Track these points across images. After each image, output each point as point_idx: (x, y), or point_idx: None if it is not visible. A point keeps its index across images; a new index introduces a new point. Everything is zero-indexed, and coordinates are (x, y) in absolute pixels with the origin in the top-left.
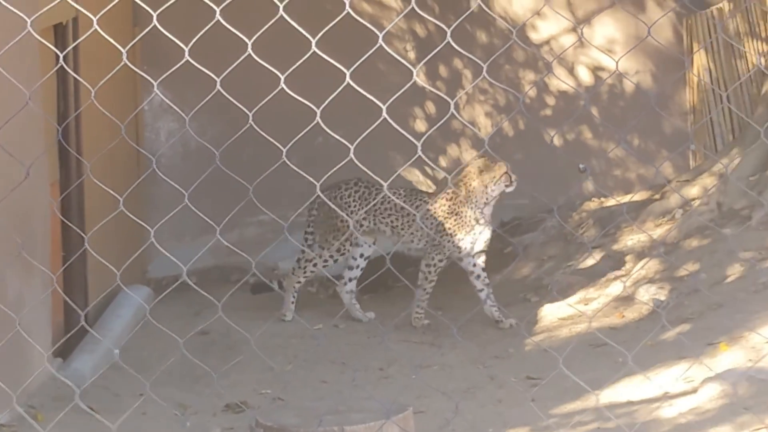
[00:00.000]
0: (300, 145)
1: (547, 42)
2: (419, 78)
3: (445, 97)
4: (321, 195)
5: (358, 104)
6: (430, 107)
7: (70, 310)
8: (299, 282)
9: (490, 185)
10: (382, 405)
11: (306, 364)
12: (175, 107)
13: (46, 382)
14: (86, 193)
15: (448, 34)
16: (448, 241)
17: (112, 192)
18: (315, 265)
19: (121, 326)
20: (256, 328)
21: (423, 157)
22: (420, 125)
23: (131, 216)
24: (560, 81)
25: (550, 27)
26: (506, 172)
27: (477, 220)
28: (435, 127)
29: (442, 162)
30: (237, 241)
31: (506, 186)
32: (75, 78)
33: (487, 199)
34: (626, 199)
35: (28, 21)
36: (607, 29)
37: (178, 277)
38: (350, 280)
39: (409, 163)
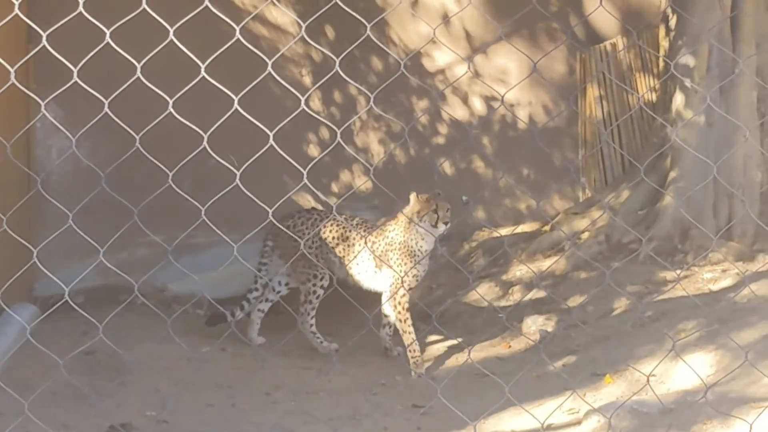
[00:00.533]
0: (192, 168)
1: (442, 71)
2: (313, 104)
3: (332, 125)
4: (276, 223)
5: (252, 128)
6: (324, 133)
7: None
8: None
9: (415, 220)
10: (267, 431)
11: (192, 387)
12: (63, 129)
13: None
14: None
15: (337, 63)
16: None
17: None
18: (278, 292)
19: (6, 344)
20: (143, 350)
21: (308, 183)
22: (313, 150)
23: (14, 235)
24: (456, 106)
25: (444, 56)
26: (433, 211)
27: (412, 253)
28: (323, 155)
29: (335, 188)
30: (126, 261)
31: (432, 225)
32: None
33: (417, 232)
34: (515, 230)
35: None
36: (500, 60)
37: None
38: (266, 300)
39: (297, 188)
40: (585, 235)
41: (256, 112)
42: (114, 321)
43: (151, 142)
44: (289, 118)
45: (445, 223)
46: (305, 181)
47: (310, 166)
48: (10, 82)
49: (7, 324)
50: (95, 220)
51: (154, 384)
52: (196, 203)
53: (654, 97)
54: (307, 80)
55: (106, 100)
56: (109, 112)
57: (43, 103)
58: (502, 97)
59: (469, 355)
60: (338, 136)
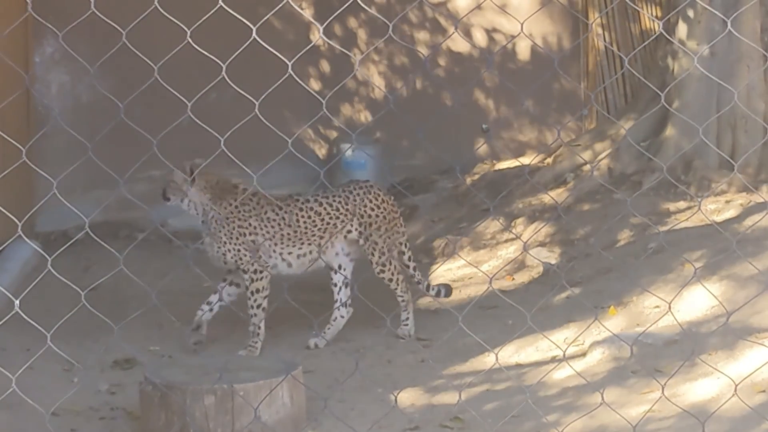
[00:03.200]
0: (194, 102)
1: (444, 3)
2: (315, 37)
3: (349, 53)
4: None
5: (253, 61)
6: (324, 66)
7: None
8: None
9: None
10: (271, 363)
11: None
12: (78, 57)
13: None
14: None
15: None
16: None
17: (9, 138)
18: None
19: (7, 281)
20: (146, 284)
21: (328, 114)
22: (314, 84)
23: (35, 167)
24: (457, 39)
25: None
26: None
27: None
28: (339, 85)
29: (336, 121)
30: (125, 197)
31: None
32: None
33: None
34: (522, 162)
35: None
36: None
37: (67, 231)
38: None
39: (313, 121)
40: (587, 168)
41: (258, 47)
42: (115, 257)
43: (161, 74)
44: (305, 49)
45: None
46: (324, 110)
47: (326, 98)
48: (26, 13)
49: (6, 260)
50: (95, 155)
51: (157, 319)
52: (215, 133)
53: (656, 27)
54: (308, 12)
55: (110, 34)
56: (127, 43)
57: (60, 33)
58: (522, 24)
59: (491, 283)
60: (356, 64)
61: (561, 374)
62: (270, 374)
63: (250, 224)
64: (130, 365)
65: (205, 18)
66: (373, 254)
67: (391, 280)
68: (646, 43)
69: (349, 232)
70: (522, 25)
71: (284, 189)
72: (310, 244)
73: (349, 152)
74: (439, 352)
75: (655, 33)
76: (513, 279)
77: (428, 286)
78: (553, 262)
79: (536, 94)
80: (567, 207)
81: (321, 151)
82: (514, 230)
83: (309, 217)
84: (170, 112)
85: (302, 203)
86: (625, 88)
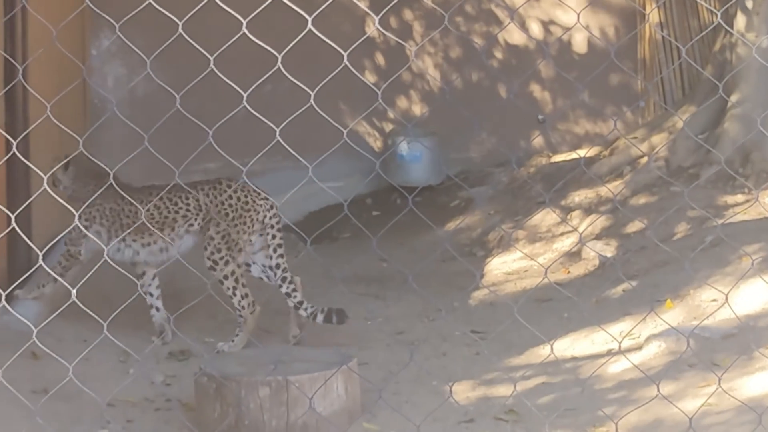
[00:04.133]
0: (249, 93)
1: None
2: (371, 28)
3: (403, 43)
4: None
5: (309, 53)
6: (380, 58)
7: (14, 256)
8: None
9: None
10: (326, 355)
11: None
12: (136, 49)
13: None
14: (32, 138)
15: None
16: None
17: (71, 132)
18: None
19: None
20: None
21: (383, 104)
22: (369, 76)
23: (90, 158)
24: (513, 31)
25: None
26: None
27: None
28: (395, 76)
29: (391, 113)
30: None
31: None
32: (23, 19)
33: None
34: (580, 154)
35: None
36: None
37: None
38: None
39: (368, 111)
40: (644, 160)
41: (314, 39)
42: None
43: (216, 67)
44: (361, 39)
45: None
46: (380, 101)
47: (383, 87)
48: (84, 5)
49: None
50: (152, 147)
51: (212, 310)
52: (271, 124)
53: (714, 17)
54: (363, 4)
55: (177, 23)
56: (184, 34)
57: (117, 24)
58: (579, 14)
59: (546, 275)
60: (412, 55)
61: (617, 367)
62: (325, 366)
63: (89, 212)
64: (186, 356)
65: (260, 8)
66: (206, 248)
67: (222, 282)
68: (703, 33)
69: (191, 225)
70: (578, 15)
71: (340, 182)
72: (151, 235)
73: (404, 145)
74: (494, 345)
75: (713, 24)
76: (569, 272)
77: (313, 313)
78: (609, 254)
79: (593, 86)
80: (623, 199)
81: (377, 143)
82: (570, 222)
83: (150, 210)
84: (227, 105)
85: (146, 195)
86: (682, 79)
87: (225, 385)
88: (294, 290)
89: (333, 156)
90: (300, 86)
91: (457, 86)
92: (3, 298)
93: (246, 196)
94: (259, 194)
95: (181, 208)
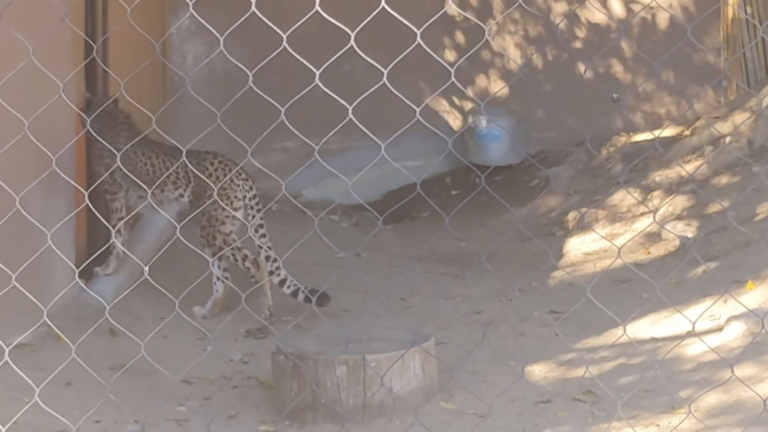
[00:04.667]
0: (326, 72)
1: None
2: (449, 9)
3: (480, 23)
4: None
5: (388, 31)
6: (460, 37)
7: (93, 233)
8: None
9: None
10: (404, 335)
11: (328, 292)
12: (209, 27)
13: (68, 303)
14: None
15: None
16: None
17: (144, 110)
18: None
19: (143, 249)
20: (279, 255)
21: (456, 83)
22: (449, 55)
23: (162, 134)
24: (594, 10)
25: None
26: None
27: None
28: (470, 53)
29: (470, 92)
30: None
31: None
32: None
33: None
34: (656, 134)
35: None
36: None
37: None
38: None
39: (441, 90)
40: (726, 140)
41: (392, 17)
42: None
43: (292, 45)
44: (435, 17)
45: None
46: (453, 79)
47: (456, 65)
48: None
49: (143, 230)
50: (229, 126)
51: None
52: (344, 102)
53: None
54: None
55: (244, 4)
56: (257, 11)
57: (191, 2)
58: None
59: (619, 254)
60: (486, 33)
61: (696, 349)
62: (402, 345)
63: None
64: (263, 335)
65: None
66: (200, 220)
67: (220, 258)
68: None
69: (181, 196)
70: None
71: (418, 161)
72: (139, 188)
73: (483, 124)
74: (572, 325)
75: None
76: (649, 252)
77: (294, 292)
78: (689, 235)
79: (676, 65)
80: (704, 180)
81: (455, 122)
82: (650, 203)
83: (144, 164)
84: (304, 84)
85: (144, 150)
86: (765, 59)
87: (302, 364)
88: (278, 268)
89: (412, 135)
90: (374, 64)
91: (536, 65)
92: (76, 274)
93: (226, 174)
94: (239, 174)
95: (171, 173)
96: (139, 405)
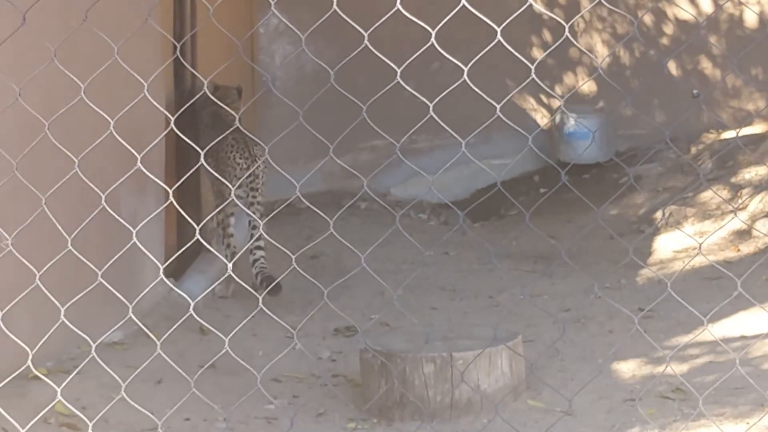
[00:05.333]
0: (415, 71)
1: None
2: (536, 3)
3: (561, 20)
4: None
5: (474, 30)
6: (547, 35)
7: (183, 231)
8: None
9: None
10: (491, 332)
11: (416, 290)
12: (292, 27)
13: (159, 302)
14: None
15: None
16: None
17: (228, 109)
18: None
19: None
20: (369, 253)
21: (536, 80)
22: (536, 53)
23: (247, 133)
24: (679, 8)
25: None
26: None
27: None
28: (549, 50)
29: (558, 90)
30: (349, 166)
31: None
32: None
33: None
34: (744, 131)
35: None
36: None
37: (290, 200)
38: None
39: (521, 87)
40: None
41: (480, 12)
42: (338, 225)
43: (376, 44)
44: (516, 14)
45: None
46: (533, 76)
47: (536, 62)
48: None
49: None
50: (318, 125)
51: (378, 287)
52: (425, 100)
53: None
54: None
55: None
56: (338, 10)
57: (273, 1)
58: None
59: (700, 250)
60: (566, 30)
61: None
62: (490, 343)
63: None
64: (352, 333)
65: None
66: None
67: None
68: None
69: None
70: None
71: (506, 159)
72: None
73: (571, 122)
74: (661, 323)
75: None
76: (738, 250)
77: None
78: None
79: (764, 61)
80: None
81: (543, 121)
82: (739, 200)
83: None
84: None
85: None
86: None
87: (389, 362)
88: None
89: (501, 133)
90: (454, 62)
91: (624, 62)
92: (161, 271)
93: (232, 151)
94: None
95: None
96: (228, 403)
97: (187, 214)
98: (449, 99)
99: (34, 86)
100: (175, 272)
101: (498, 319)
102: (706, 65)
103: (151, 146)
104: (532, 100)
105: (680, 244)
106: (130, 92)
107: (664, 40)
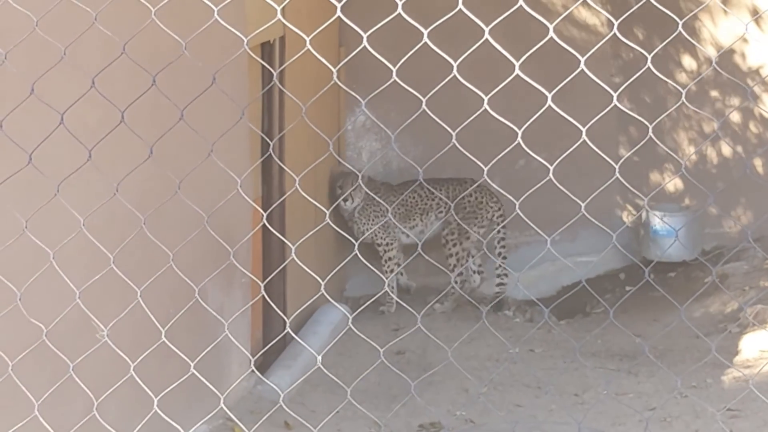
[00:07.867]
0: (502, 167)
1: (755, 69)
2: (622, 104)
3: (643, 120)
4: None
5: (561, 128)
6: (633, 132)
7: (269, 325)
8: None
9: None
10: (576, 430)
11: (500, 387)
12: (381, 125)
13: (244, 396)
14: (287, 209)
15: (649, 60)
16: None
17: (318, 205)
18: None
19: (318, 343)
20: (455, 349)
21: (620, 178)
22: (623, 150)
23: (336, 228)
24: (767, 107)
25: (757, 53)
26: (338, 187)
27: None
28: (633, 150)
29: (644, 188)
30: (435, 261)
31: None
32: (279, 96)
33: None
34: None
35: (245, 40)
36: None
37: (375, 295)
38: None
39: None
40: None
41: (566, 111)
42: (423, 321)
43: (460, 143)
44: (601, 114)
45: (344, 200)
46: (617, 175)
47: (621, 161)
48: (332, 82)
49: (317, 323)
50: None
51: (463, 384)
52: (510, 197)
53: None
54: (617, 80)
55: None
56: (427, 110)
57: (363, 101)
58: None
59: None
60: (650, 130)
61: None
62: None
63: (381, 208)
64: (436, 429)
65: (503, 85)
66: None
67: (447, 258)
68: None
69: (441, 212)
70: None
71: (592, 256)
72: (413, 219)
73: (657, 219)
74: (747, 422)
75: None
76: None
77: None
78: None
79: None
80: None
81: (629, 218)
82: None
83: (413, 199)
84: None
85: (409, 188)
86: None
87: None
88: (504, 273)
89: (587, 230)
90: (541, 161)
91: (710, 160)
92: (251, 363)
93: (481, 197)
94: (492, 197)
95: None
96: None
97: (271, 312)
98: (535, 196)
99: (131, 182)
100: (261, 366)
101: (583, 416)
102: None
103: (242, 242)
104: (618, 198)
105: (767, 343)
106: (220, 187)
107: (751, 138)
